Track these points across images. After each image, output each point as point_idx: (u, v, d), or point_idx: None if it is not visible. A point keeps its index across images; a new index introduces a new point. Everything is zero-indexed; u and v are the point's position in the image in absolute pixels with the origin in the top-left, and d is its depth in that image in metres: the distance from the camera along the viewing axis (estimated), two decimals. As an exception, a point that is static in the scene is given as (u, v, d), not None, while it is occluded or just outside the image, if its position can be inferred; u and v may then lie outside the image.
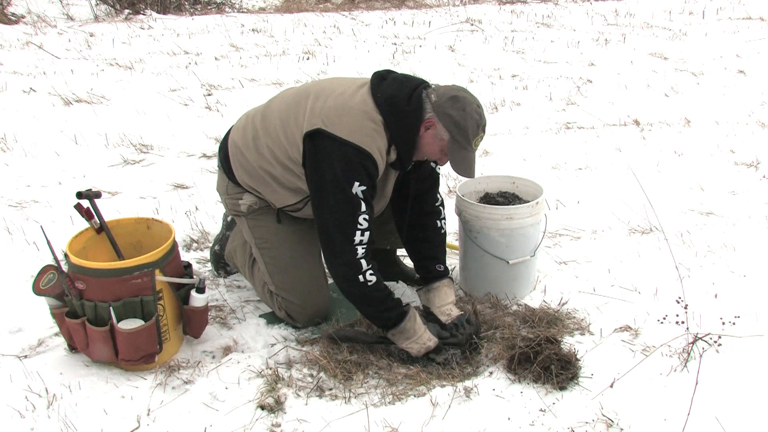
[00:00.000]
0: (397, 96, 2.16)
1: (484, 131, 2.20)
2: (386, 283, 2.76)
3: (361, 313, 2.34)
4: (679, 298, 2.51)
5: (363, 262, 2.17)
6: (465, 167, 2.21)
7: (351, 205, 2.13)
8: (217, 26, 7.62)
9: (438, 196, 2.49)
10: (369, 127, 2.14)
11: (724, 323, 2.39)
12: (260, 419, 2.01)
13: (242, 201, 2.41)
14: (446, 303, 2.41)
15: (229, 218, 2.83)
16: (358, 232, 2.15)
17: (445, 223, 2.50)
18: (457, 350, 2.29)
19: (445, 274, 2.46)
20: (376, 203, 2.34)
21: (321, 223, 2.19)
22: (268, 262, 2.43)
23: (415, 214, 2.46)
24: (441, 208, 2.50)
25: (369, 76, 2.28)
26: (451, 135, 2.15)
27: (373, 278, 2.19)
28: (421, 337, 2.25)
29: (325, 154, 2.14)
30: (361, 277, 2.17)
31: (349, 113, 2.15)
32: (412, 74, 2.35)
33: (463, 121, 2.13)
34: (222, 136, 2.55)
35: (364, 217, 2.15)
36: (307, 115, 2.19)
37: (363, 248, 2.17)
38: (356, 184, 2.12)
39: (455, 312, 2.39)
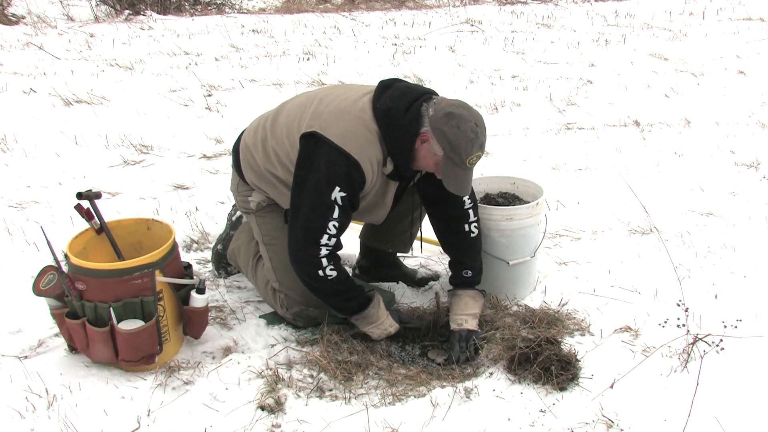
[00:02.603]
0: (395, 108, 2.15)
1: (481, 150, 2.14)
2: (387, 284, 2.78)
3: (323, 303, 2.35)
4: (680, 301, 2.51)
5: (324, 260, 2.19)
6: (456, 185, 2.18)
7: (325, 209, 2.14)
8: (217, 27, 7.61)
9: (465, 198, 2.39)
10: (363, 135, 2.14)
11: (726, 326, 2.39)
12: (260, 420, 2.01)
13: (251, 198, 2.45)
14: (464, 313, 2.41)
15: (233, 217, 2.84)
16: (326, 236, 2.17)
17: (475, 226, 2.44)
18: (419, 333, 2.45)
19: (471, 281, 2.46)
20: (376, 212, 2.35)
21: (293, 217, 2.21)
22: (273, 258, 2.44)
23: (440, 218, 2.46)
24: (470, 211, 2.42)
25: (374, 80, 2.27)
26: (445, 152, 2.12)
27: (334, 273, 2.21)
28: (383, 323, 2.34)
29: (313, 155, 2.15)
30: (320, 272, 2.20)
31: (345, 119, 2.16)
32: (419, 83, 2.34)
33: (456, 139, 2.09)
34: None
35: (335, 223, 2.16)
36: (308, 118, 2.20)
37: (328, 249, 2.19)
38: (337, 189, 2.12)
39: (469, 324, 2.38)
